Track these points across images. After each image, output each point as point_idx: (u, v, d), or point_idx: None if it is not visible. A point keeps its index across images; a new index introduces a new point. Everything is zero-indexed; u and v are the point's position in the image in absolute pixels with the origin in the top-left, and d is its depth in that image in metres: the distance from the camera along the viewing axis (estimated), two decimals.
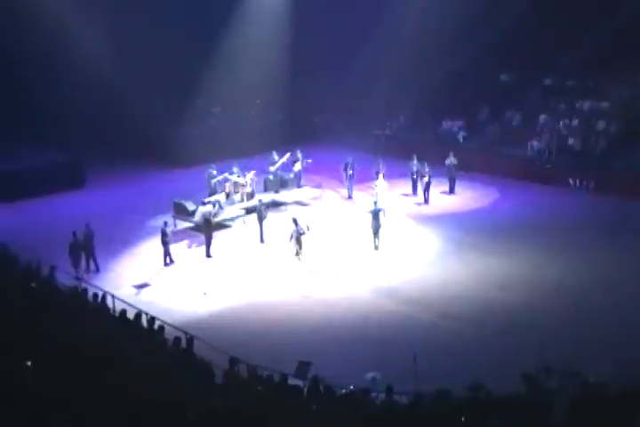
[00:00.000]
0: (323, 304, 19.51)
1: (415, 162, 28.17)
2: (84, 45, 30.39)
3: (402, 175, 28.88)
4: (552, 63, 32.19)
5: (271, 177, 28.16)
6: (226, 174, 26.78)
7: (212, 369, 12.82)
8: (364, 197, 27.36)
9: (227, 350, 14.42)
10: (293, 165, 28.67)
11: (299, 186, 28.60)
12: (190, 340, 14.23)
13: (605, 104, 30.85)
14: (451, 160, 28.34)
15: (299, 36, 34.00)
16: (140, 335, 14.53)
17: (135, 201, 28.31)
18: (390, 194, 27.27)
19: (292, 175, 28.56)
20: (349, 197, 28.41)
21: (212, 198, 25.33)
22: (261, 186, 28.06)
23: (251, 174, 27.07)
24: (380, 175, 27.24)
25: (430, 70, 33.56)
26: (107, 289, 18.12)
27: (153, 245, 23.32)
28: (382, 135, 34.53)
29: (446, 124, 33.63)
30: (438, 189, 28.33)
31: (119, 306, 16.55)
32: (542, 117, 31.50)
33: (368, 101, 34.97)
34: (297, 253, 22.10)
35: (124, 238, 24.29)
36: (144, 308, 16.70)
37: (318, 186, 28.81)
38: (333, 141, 34.50)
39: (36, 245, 21.49)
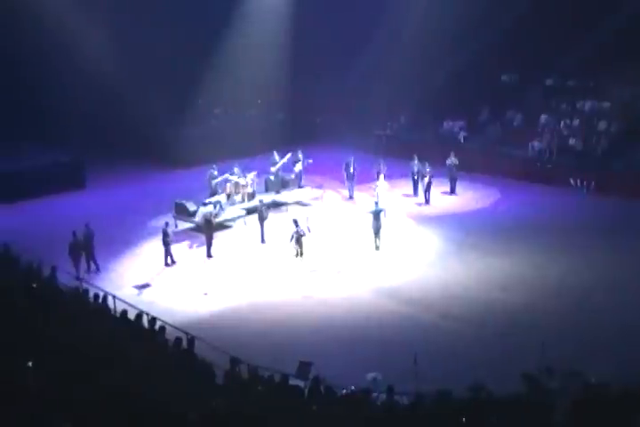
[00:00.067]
0: (324, 305, 19.51)
1: (416, 162, 28.13)
2: (85, 45, 30.36)
3: (403, 175, 28.87)
4: (553, 63, 32.19)
5: (272, 177, 28.13)
6: (226, 175, 26.80)
7: (212, 369, 12.78)
8: (364, 198, 27.34)
9: (228, 350, 14.41)
10: (294, 166, 28.65)
11: (300, 186, 28.58)
12: (191, 340, 14.23)
13: (606, 104, 30.82)
14: (452, 160, 28.31)
15: (300, 36, 33.92)
16: (141, 336, 14.52)
17: (136, 201, 28.29)
18: (391, 194, 27.26)
19: (292, 176, 28.55)
20: (350, 197, 28.39)
21: (213, 199, 25.33)
22: (262, 186, 28.05)
23: (251, 175, 27.08)
24: (381, 175, 27.29)
25: (431, 70, 33.52)
26: (108, 289, 18.14)
27: (154, 246, 23.35)
28: (383, 135, 34.45)
29: (447, 125, 33.59)
30: (439, 189, 28.30)
31: (120, 306, 16.55)
32: (543, 118, 31.49)
33: (369, 102, 35.00)
34: (297, 255, 22.09)
35: (126, 239, 24.30)
36: (145, 308, 16.71)
37: (319, 186, 28.80)
38: (334, 142, 34.45)
39: (37, 246, 21.49)
